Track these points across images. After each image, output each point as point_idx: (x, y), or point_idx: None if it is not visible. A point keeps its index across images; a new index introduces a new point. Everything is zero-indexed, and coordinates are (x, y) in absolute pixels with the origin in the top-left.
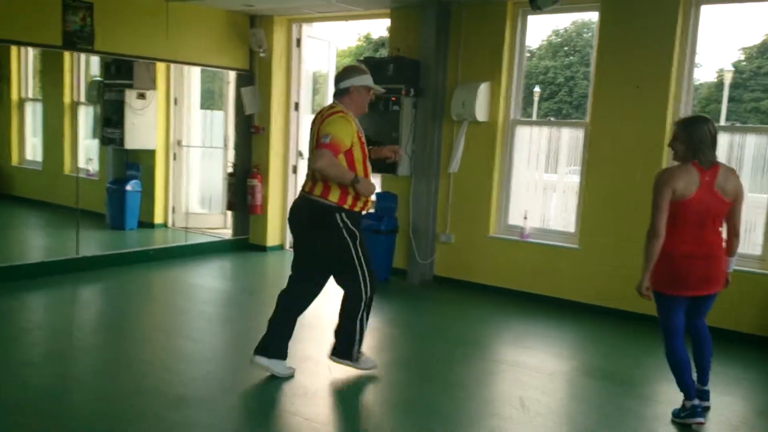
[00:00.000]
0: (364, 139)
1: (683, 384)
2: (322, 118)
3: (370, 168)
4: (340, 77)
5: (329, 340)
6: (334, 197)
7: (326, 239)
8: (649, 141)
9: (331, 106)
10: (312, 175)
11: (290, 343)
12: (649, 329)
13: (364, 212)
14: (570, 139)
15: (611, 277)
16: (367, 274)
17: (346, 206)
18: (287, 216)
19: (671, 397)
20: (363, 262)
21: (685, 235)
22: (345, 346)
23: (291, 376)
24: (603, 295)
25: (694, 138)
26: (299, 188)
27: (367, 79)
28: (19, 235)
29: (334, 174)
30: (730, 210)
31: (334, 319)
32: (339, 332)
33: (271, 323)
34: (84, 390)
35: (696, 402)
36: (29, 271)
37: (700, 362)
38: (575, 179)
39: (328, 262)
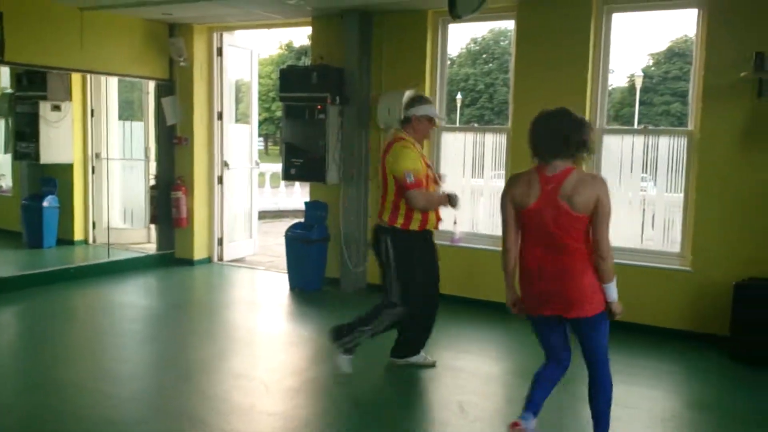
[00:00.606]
0: (428, 161)
1: (528, 394)
2: (386, 147)
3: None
4: (405, 107)
5: (262, 356)
6: (385, 216)
7: (380, 256)
8: None
9: (393, 133)
10: (381, 201)
11: (221, 361)
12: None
13: (434, 228)
14: (493, 144)
15: None
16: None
17: (397, 225)
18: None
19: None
20: (403, 284)
21: (533, 248)
22: (344, 330)
23: (432, 365)
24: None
25: (531, 138)
26: (225, 199)
27: (427, 109)
28: None
29: (431, 206)
30: (592, 226)
31: (267, 336)
32: (353, 320)
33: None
34: (5, 415)
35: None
36: None
37: (593, 410)
38: (501, 183)
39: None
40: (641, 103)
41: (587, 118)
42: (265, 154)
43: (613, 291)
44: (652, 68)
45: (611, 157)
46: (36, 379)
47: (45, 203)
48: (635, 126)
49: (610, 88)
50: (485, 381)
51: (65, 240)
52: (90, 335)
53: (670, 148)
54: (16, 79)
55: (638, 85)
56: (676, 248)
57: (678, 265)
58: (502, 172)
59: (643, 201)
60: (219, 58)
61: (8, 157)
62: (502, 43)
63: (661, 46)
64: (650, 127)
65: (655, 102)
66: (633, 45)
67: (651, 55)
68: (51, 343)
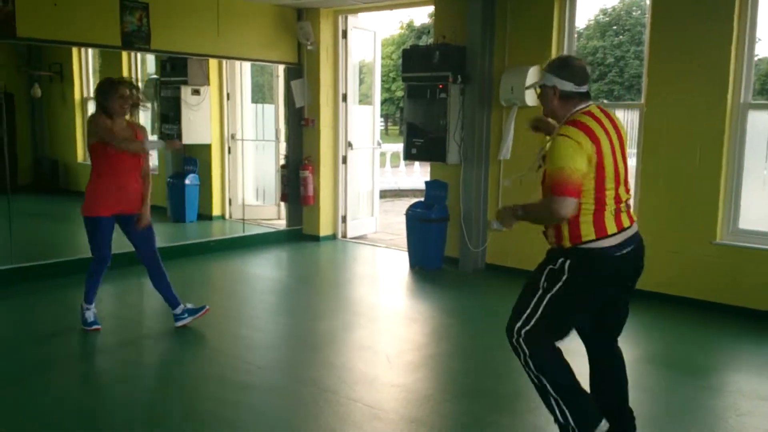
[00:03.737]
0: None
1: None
2: (612, 121)
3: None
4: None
5: (384, 330)
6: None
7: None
8: (708, 120)
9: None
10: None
11: (346, 333)
12: (718, 318)
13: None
14: (624, 121)
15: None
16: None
17: (587, 239)
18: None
19: (741, 386)
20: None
21: None
22: None
23: None
24: (666, 282)
25: None
26: (348, 178)
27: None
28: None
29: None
30: None
31: (389, 311)
32: None
33: None
34: (151, 375)
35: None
36: None
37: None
38: (631, 163)
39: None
40: None
41: (731, 92)
42: (385, 134)
43: None
44: None
45: (756, 134)
46: (178, 343)
47: (187, 181)
48: None
49: (756, 58)
50: None
51: (205, 215)
52: (228, 304)
53: None
54: (161, 65)
55: None
56: None
57: None
58: (634, 150)
59: None
60: (344, 40)
61: (154, 137)
62: (634, 14)
63: None
64: None
65: None
66: None
67: None
68: None
